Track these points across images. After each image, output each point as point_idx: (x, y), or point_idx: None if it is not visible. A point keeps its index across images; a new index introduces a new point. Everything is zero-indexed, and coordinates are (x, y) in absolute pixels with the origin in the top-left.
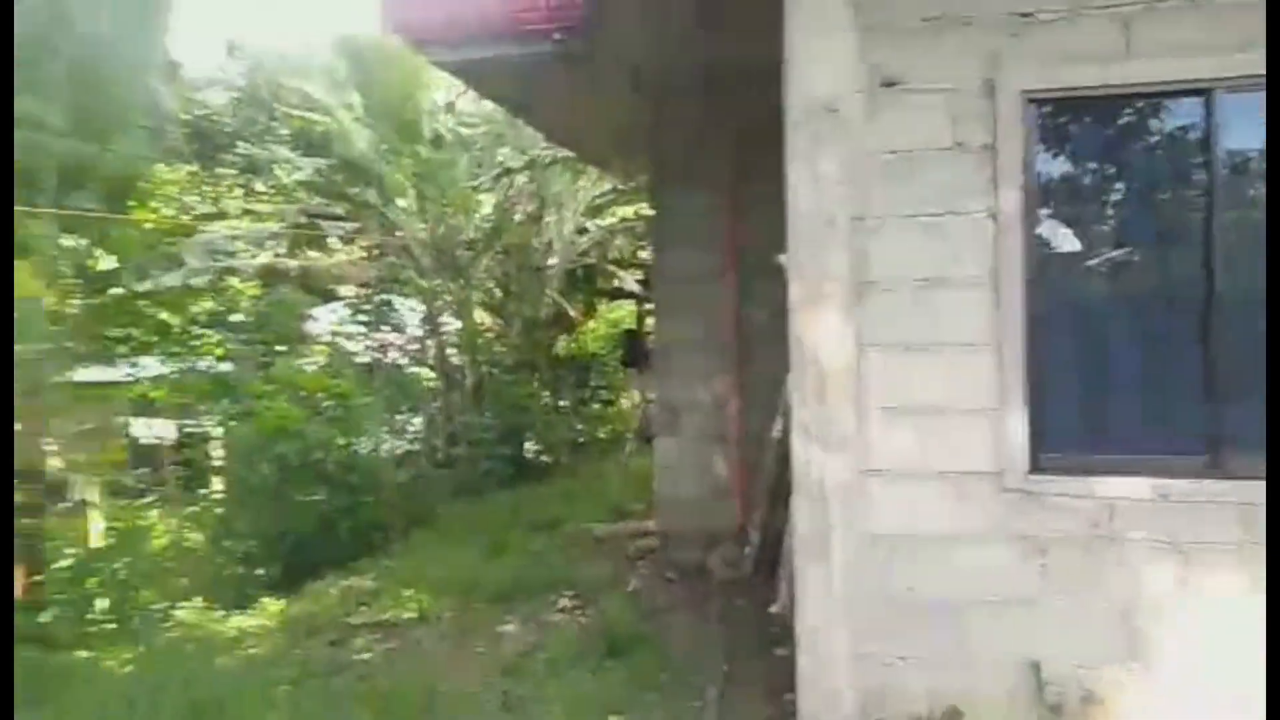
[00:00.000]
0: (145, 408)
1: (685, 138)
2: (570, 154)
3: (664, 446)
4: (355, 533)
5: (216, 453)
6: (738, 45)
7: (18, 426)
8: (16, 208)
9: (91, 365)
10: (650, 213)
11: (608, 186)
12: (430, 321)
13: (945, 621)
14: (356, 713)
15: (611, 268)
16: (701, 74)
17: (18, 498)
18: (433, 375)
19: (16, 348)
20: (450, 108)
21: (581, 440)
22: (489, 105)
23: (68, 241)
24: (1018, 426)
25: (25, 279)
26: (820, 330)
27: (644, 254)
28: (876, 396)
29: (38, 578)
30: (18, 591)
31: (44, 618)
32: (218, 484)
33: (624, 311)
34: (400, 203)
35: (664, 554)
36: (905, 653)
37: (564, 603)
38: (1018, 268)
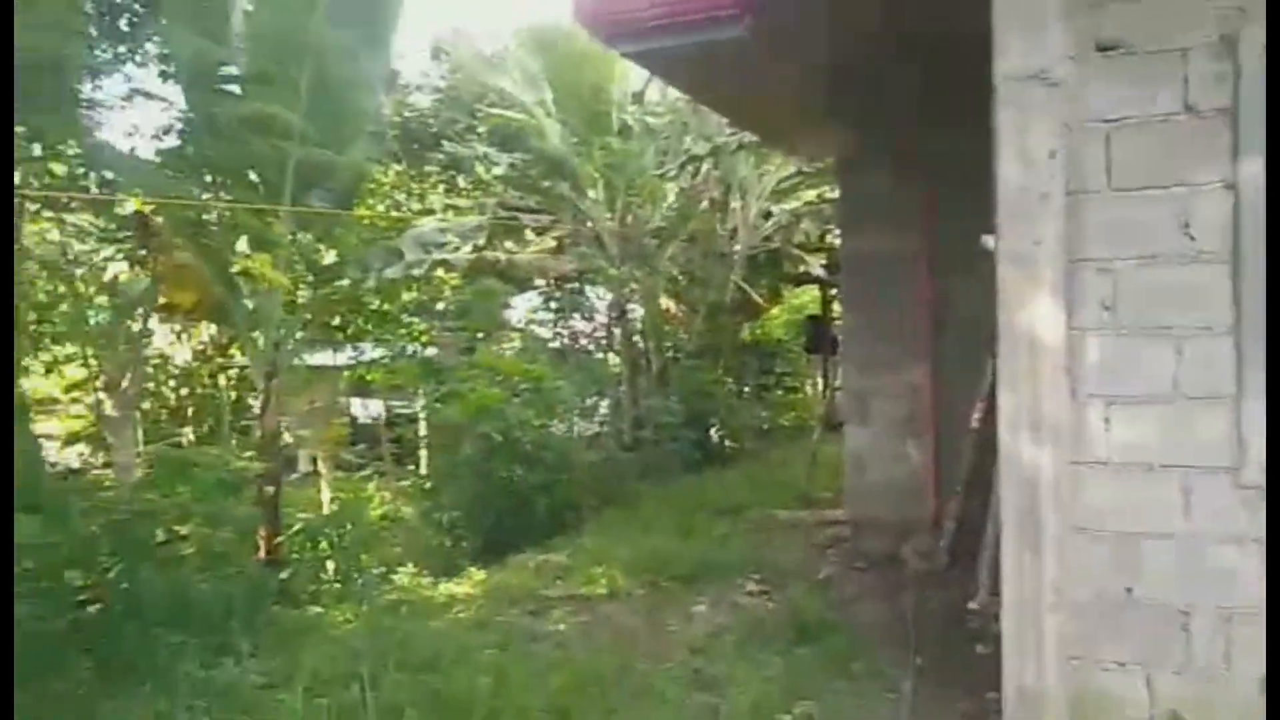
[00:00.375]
0: (363, 389)
1: (875, 116)
2: (755, 138)
3: (853, 434)
4: (550, 510)
5: (423, 432)
6: (933, 16)
7: (255, 404)
8: (262, 207)
9: (320, 350)
10: (837, 195)
11: (792, 170)
12: (617, 308)
13: (1168, 626)
14: (555, 680)
15: (797, 252)
16: (894, 50)
17: (259, 467)
18: (619, 361)
19: (256, 334)
20: (638, 98)
21: (766, 427)
22: (674, 94)
23: (301, 238)
24: (1257, 416)
25: (268, 271)
26: (1031, 313)
27: (830, 238)
28: (1092, 383)
29: (278, 539)
30: (262, 551)
31: (284, 575)
32: (427, 460)
33: (809, 297)
34: (590, 194)
35: (854, 543)
36: (1122, 657)
37: (751, 587)
38: (1260, 242)
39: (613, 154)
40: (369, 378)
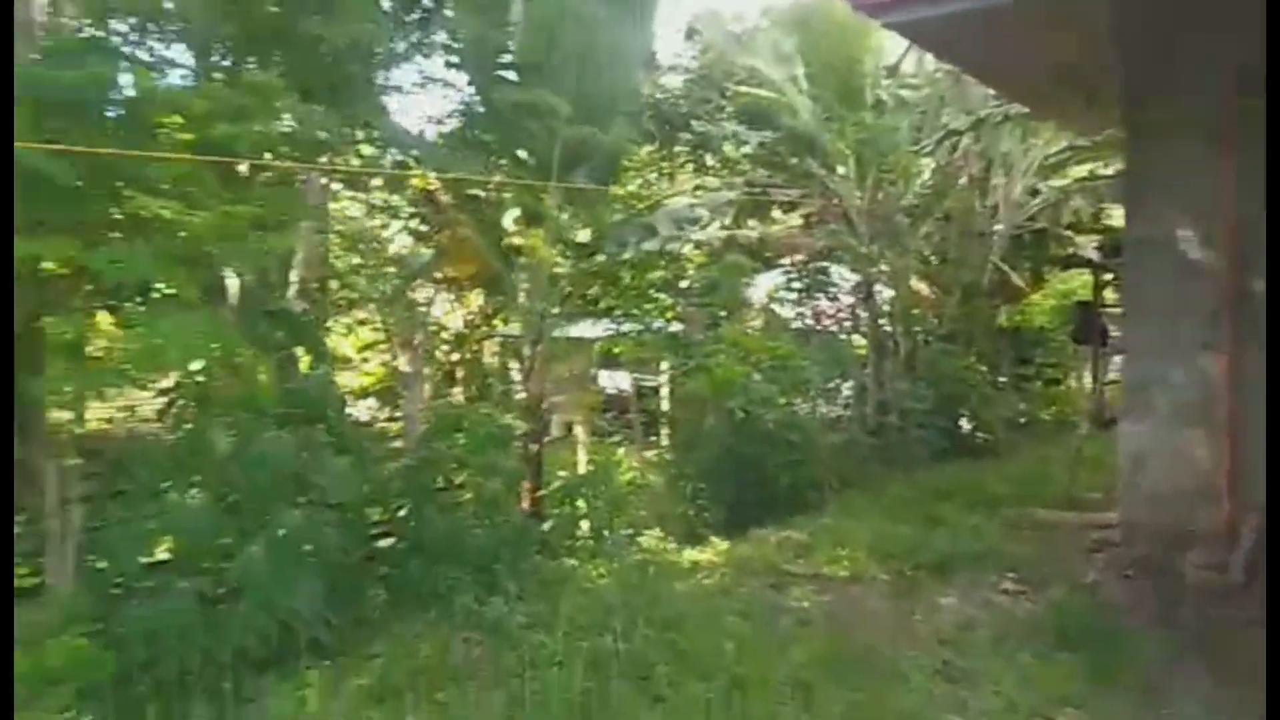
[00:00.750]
0: (611, 361)
1: (1170, 82)
2: (1023, 110)
3: (1131, 431)
4: (792, 488)
5: (666, 404)
6: None
7: (515, 370)
8: (530, 183)
9: (576, 322)
10: (1119, 170)
11: (1063, 144)
12: (864, 289)
13: None
14: (797, 653)
15: (1065, 233)
16: (1189, 10)
17: (524, 426)
18: (864, 343)
19: (524, 304)
20: (892, 71)
21: (1023, 420)
22: (931, 65)
23: (564, 215)
24: None
25: (540, 246)
26: None
27: (1105, 218)
28: None
29: (540, 494)
30: (525, 503)
31: (545, 527)
32: (670, 431)
33: (1078, 281)
34: (840, 170)
35: (1125, 549)
36: None
37: (1006, 584)
38: None
39: (865, 129)
40: (617, 350)
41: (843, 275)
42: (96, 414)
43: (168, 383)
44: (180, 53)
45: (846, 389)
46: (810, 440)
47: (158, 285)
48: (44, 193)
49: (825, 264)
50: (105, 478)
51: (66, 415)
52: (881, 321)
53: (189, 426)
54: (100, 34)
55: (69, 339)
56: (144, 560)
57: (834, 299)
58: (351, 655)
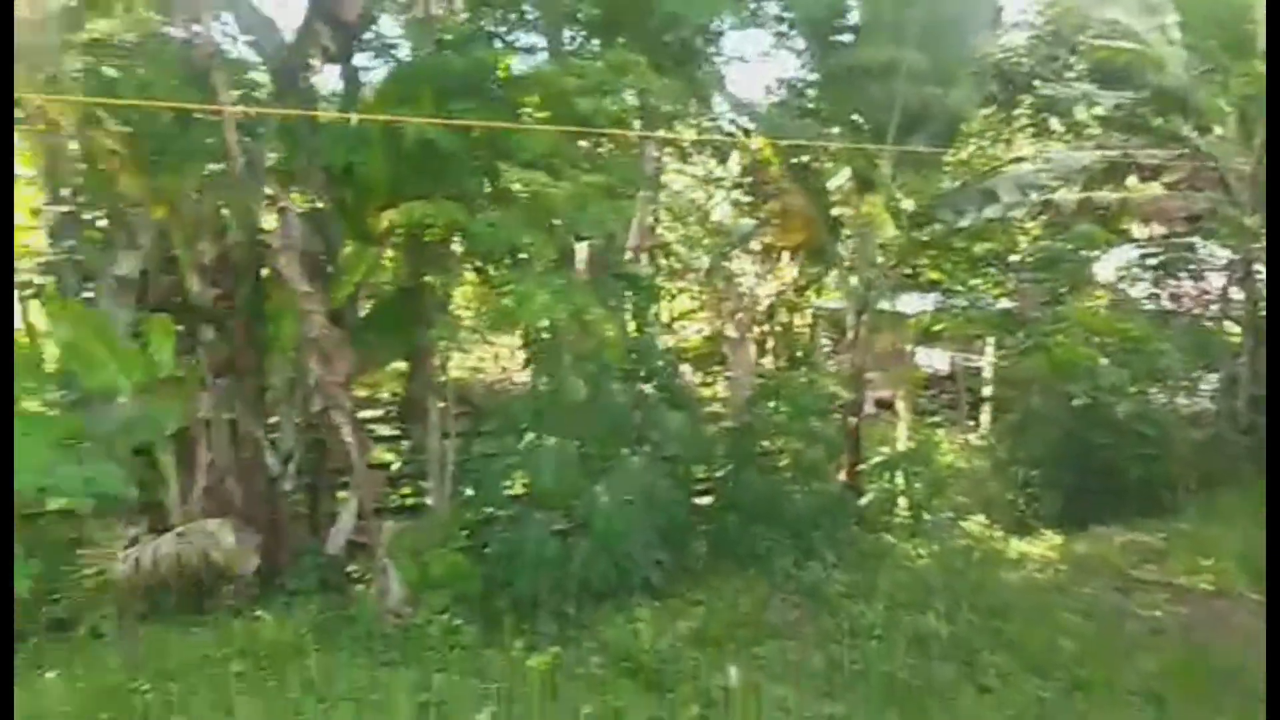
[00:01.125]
0: (928, 338)
1: None
2: None
3: None
4: (1144, 485)
5: (988, 386)
6: None
7: (827, 341)
8: (865, 147)
9: (901, 295)
10: None
11: None
12: (1242, 267)
13: None
14: (1147, 663)
15: None
16: None
17: (845, 397)
18: (1237, 330)
19: (845, 268)
20: None
21: None
22: None
23: (896, 182)
24: None
25: (875, 215)
26: None
27: None
28: None
29: (858, 466)
30: (843, 474)
31: (863, 501)
32: (994, 414)
33: None
34: (1217, 130)
35: None
36: None
37: None
38: None
39: (1255, 81)
40: (938, 327)
41: (1212, 252)
42: (461, 363)
43: (512, 339)
44: (538, 38)
45: (1213, 380)
46: (1166, 434)
47: (519, 249)
48: (435, 165)
49: (1190, 239)
50: (472, 418)
51: (435, 363)
52: (1261, 305)
53: (545, 377)
54: (477, 25)
55: (443, 297)
56: (506, 492)
57: (1199, 278)
58: (677, 599)
